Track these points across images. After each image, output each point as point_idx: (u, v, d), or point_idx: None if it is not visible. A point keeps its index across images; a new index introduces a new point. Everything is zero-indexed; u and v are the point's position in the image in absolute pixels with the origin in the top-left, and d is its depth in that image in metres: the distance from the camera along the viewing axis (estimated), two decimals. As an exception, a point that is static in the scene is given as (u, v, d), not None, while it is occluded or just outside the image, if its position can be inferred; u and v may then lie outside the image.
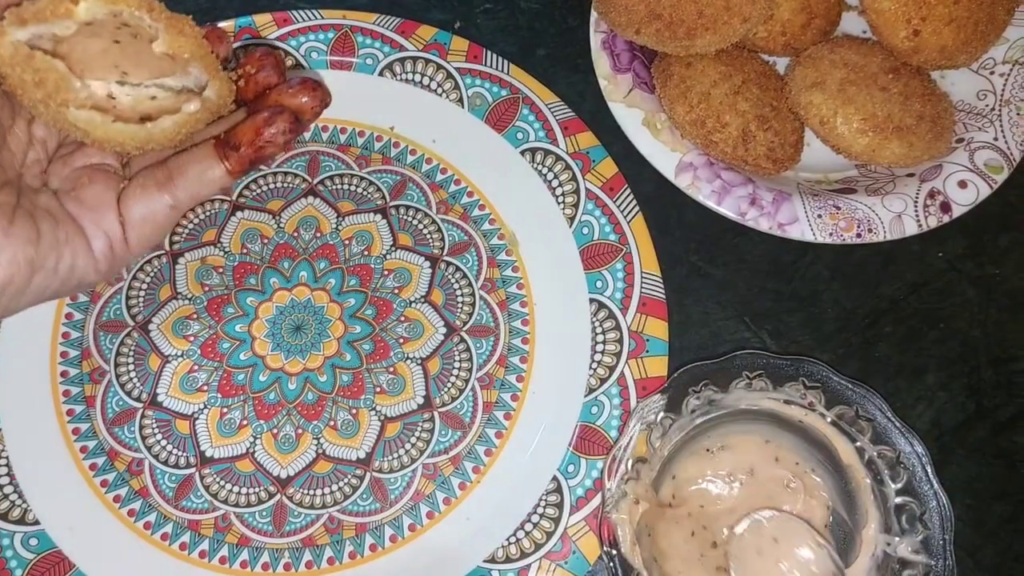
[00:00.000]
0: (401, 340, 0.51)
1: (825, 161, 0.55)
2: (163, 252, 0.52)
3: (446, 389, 0.50)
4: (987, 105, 0.54)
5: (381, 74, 0.55)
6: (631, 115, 0.53)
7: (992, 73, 0.55)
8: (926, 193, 0.51)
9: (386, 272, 0.52)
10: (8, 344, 0.49)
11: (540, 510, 0.47)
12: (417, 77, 0.55)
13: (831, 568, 0.44)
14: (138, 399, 0.49)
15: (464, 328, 0.51)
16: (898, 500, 0.44)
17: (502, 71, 0.55)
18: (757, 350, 0.51)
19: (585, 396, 0.48)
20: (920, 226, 0.51)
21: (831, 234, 0.51)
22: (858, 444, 0.45)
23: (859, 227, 0.51)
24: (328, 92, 0.38)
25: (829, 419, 0.46)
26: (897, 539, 0.44)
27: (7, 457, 0.47)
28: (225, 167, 0.37)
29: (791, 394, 0.46)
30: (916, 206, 0.51)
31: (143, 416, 0.49)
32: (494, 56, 0.55)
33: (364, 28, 0.55)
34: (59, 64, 0.33)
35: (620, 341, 0.49)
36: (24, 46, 0.32)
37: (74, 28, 0.33)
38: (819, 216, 0.51)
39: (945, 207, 0.51)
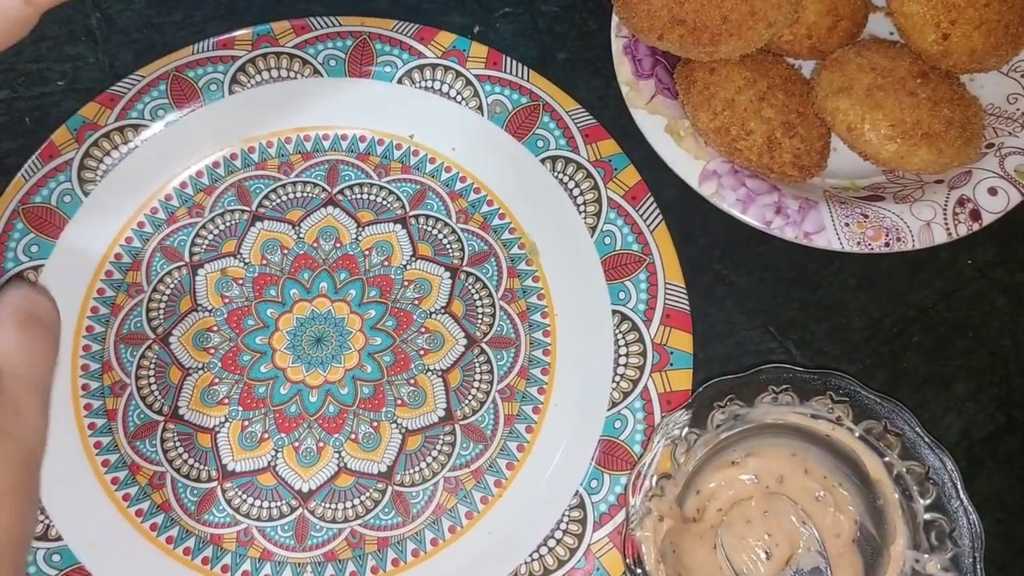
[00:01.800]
0: (422, 352, 0.50)
1: (852, 167, 0.54)
2: (183, 264, 0.52)
3: (467, 401, 0.50)
4: (1018, 109, 0.53)
5: (400, 82, 0.55)
6: (653, 122, 0.53)
7: (1023, 76, 0.53)
8: (955, 200, 0.50)
9: (406, 283, 0.52)
10: (30, 358, 0.49)
11: (563, 526, 0.46)
12: (436, 84, 0.54)
13: (817, 543, 0.43)
14: (159, 412, 0.49)
15: (484, 339, 0.51)
16: (927, 516, 0.44)
17: (522, 78, 0.54)
18: (783, 363, 0.50)
19: (608, 410, 0.48)
20: (949, 234, 0.50)
21: (859, 243, 0.50)
22: (886, 459, 0.45)
23: (887, 236, 0.50)
24: None
25: (857, 434, 0.45)
26: (926, 556, 0.43)
27: (30, 472, 0.47)
28: None
29: (818, 408, 0.46)
30: (945, 214, 0.50)
31: (164, 429, 0.49)
32: (514, 62, 0.55)
33: (383, 35, 0.55)
34: None
35: (643, 354, 0.49)
36: None
37: None
38: (846, 225, 0.50)
39: (975, 215, 0.50)
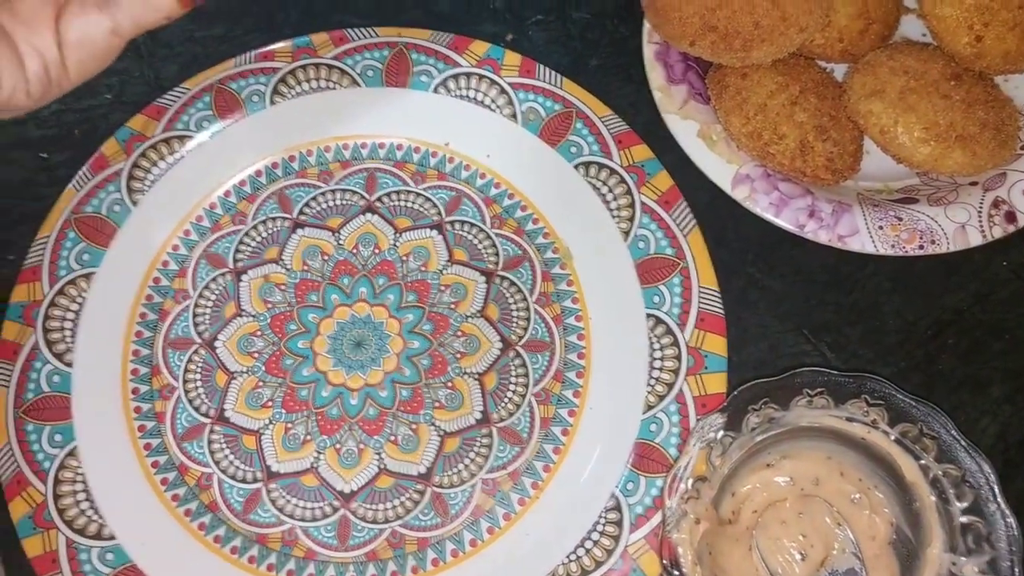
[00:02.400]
0: (458, 355, 0.52)
1: (886, 169, 0.54)
2: (228, 270, 0.54)
3: (503, 404, 0.51)
4: (1055, 109, 0.53)
5: (436, 91, 0.56)
6: (686, 127, 0.53)
7: (1060, 77, 0.53)
8: (990, 203, 0.50)
9: (443, 287, 0.53)
10: (82, 363, 0.51)
11: (600, 527, 0.47)
12: (471, 93, 0.55)
13: (852, 545, 0.44)
14: (206, 415, 0.51)
15: (520, 343, 0.52)
16: (964, 519, 0.44)
17: (555, 85, 0.55)
18: (817, 367, 0.50)
19: (643, 413, 0.49)
20: (984, 237, 0.50)
21: (893, 246, 0.50)
22: (922, 462, 0.45)
23: (921, 239, 0.50)
24: None
25: (892, 437, 0.46)
26: (963, 559, 0.43)
27: (84, 474, 0.49)
28: None
29: (853, 411, 0.46)
30: (980, 216, 0.50)
31: (211, 431, 0.50)
32: (547, 70, 0.55)
33: (419, 45, 0.56)
34: None
35: (678, 357, 0.49)
36: None
37: None
38: (880, 228, 0.50)
39: (1010, 217, 0.50)
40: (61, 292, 0.52)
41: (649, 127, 0.55)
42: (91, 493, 0.48)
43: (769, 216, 0.51)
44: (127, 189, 0.54)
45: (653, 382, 0.49)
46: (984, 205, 0.50)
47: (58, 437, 0.49)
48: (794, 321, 0.53)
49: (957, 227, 0.50)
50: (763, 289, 0.54)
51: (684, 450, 0.45)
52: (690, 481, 0.45)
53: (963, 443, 0.44)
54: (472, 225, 0.54)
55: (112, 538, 0.48)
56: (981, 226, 0.50)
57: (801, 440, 0.47)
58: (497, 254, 0.54)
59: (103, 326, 0.52)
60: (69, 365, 0.50)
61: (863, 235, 0.50)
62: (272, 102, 0.56)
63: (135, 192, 0.54)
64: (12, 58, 0.33)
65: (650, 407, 0.49)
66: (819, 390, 0.46)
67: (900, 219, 0.50)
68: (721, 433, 0.46)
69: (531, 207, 0.55)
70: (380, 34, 0.56)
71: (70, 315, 0.51)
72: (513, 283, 0.53)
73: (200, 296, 0.53)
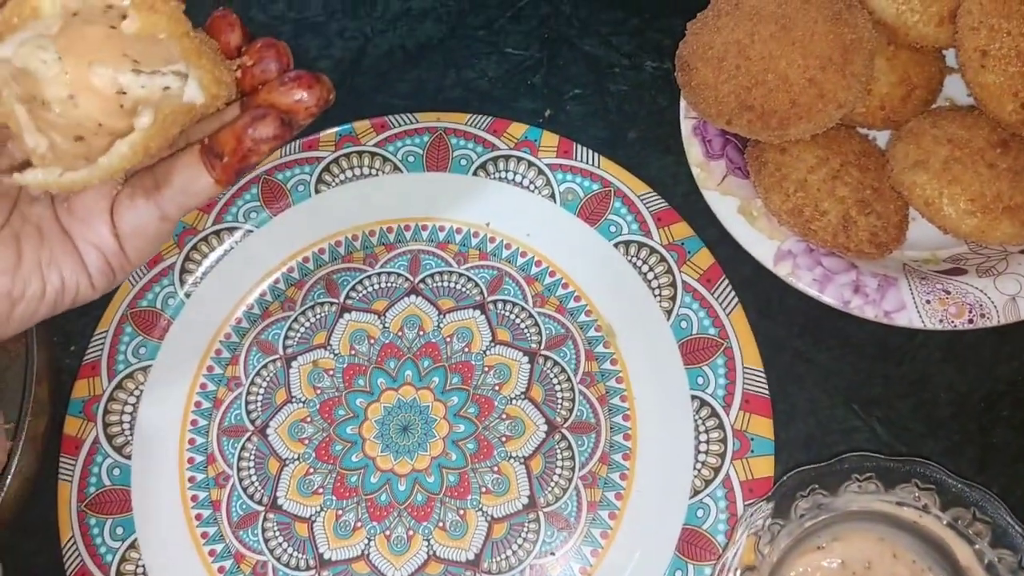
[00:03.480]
0: (504, 439, 0.52)
1: (932, 238, 0.53)
2: (278, 356, 0.55)
3: (550, 488, 0.51)
4: (1107, 172, 0.51)
5: (475, 173, 0.57)
6: (726, 203, 0.53)
7: (1112, 138, 0.52)
8: (1042, 273, 0.49)
9: (487, 368, 0.54)
10: (141, 455, 0.53)
11: (649, 617, 0.47)
12: (510, 175, 0.56)
13: None
14: (260, 502, 0.52)
15: (565, 425, 0.52)
16: (1022, 607, 0.43)
17: (593, 165, 0.56)
18: (866, 446, 0.50)
19: (690, 498, 0.48)
20: (1037, 308, 0.49)
21: (941, 321, 0.49)
22: (977, 547, 0.44)
23: (971, 312, 0.49)
24: (330, 87, 0.34)
25: (945, 521, 0.45)
26: (1021, 648, 0.42)
27: (144, 565, 0.50)
28: (212, 177, 0.34)
29: (904, 496, 0.45)
30: (1032, 287, 0.49)
31: (265, 519, 0.52)
32: (584, 150, 0.56)
33: (457, 130, 0.57)
34: (20, 112, 0.30)
35: (724, 440, 0.49)
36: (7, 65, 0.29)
37: (58, 23, 0.29)
38: (927, 302, 0.50)
39: (1064, 287, 0.49)
40: (119, 386, 0.54)
41: (689, 197, 0.55)
42: (152, 583, 0.50)
43: (813, 292, 0.51)
44: (180, 282, 0.56)
45: (699, 466, 0.49)
46: (1036, 275, 0.49)
47: (119, 530, 0.51)
48: (843, 395, 0.52)
49: (1008, 299, 0.49)
50: (810, 363, 0.53)
51: (732, 539, 0.45)
52: (738, 572, 0.44)
53: (1018, 528, 0.43)
54: (514, 304, 0.55)
55: (172, 628, 0.49)
56: (1033, 298, 0.49)
57: (852, 522, 0.47)
58: (540, 333, 0.54)
59: (160, 417, 0.53)
60: (128, 457, 0.52)
61: (910, 310, 0.49)
62: (317, 191, 0.57)
63: (187, 284, 0.56)
64: (73, 255, 0.34)
65: (696, 492, 0.49)
66: (868, 475, 0.46)
67: (948, 292, 0.50)
68: (769, 521, 0.45)
69: (572, 285, 0.55)
70: (420, 120, 0.57)
71: (128, 408, 0.53)
72: (556, 363, 0.53)
73: (252, 383, 0.55)
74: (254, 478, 0.53)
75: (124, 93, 0.30)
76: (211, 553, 0.51)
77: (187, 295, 0.56)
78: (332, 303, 0.56)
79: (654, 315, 0.53)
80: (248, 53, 0.35)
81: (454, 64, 0.63)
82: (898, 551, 0.46)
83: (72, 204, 0.35)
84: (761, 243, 0.52)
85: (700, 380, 0.51)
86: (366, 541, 0.51)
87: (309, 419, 0.54)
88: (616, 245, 0.54)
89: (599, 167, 0.55)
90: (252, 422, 0.54)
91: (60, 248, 0.34)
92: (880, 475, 0.46)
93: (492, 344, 0.54)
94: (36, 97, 0.30)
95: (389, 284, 0.56)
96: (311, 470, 0.52)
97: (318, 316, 0.56)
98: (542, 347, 0.54)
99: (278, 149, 0.34)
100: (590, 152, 0.56)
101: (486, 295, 0.55)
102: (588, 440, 0.52)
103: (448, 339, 0.55)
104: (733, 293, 0.52)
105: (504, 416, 0.52)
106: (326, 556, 0.51)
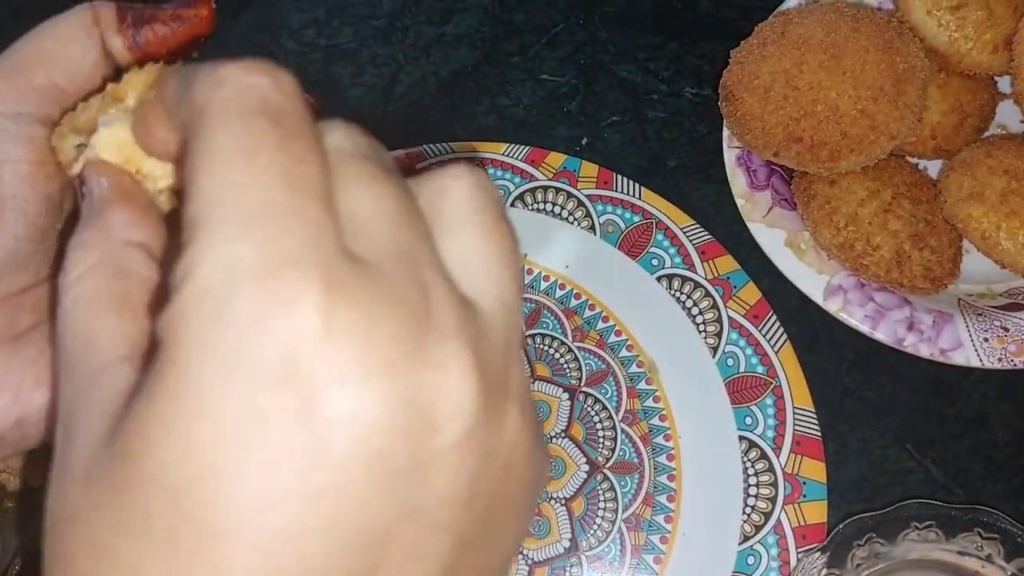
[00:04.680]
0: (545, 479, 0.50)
1: (986, 271, 0.51)
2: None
3: (592, 531, 0.49)
4: None
5: (513, 204, 0.55)
6: (772, 235, 0.51)
7: None
8: (1106, 309, 0.47)
9: (526, 405, 0.52)
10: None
11: (699, 671, 0.45)
12: (548, 206, 0.55)
13: None
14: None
15: (607, 465, 0.50)
16: (1095, 665, 0.41)
17: (633, 196, 0.54)
18: (920, 495, 0.48)
19: (740, 544, 0.47)
20: (1101, 347, 0.47)
21: (1000, 359, 0.47)
22: (1044, 599, 0.42)
23: (1032, 350, 0.47)
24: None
25: (1010, 572, 0.43)
26: None
27: None
28: None
29: (965, 545, 0.43)
30: (1096, 324, 0.47)
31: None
32: (625, 180, 0.55)
33: (495, 160, 0.56)
34: None
35: (774, 484, 0.47)
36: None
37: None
38: (985, 340, 0.48)
39: None
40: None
41: (732, 227, 0.54)
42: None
43: (865, 329, 0.49)
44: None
45: (749, 510, 0.47)
46: (1099, 312, 0.47)
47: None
48: (896, 435, 0.50)
49: (1070, 337, 0.47)
50: (861, 400, 0.51)
51: (786, 590, 0.43)
52: (794, 625, 0.43)
53: (1091, 581, 0.41)
54: (553, 339, 0.53)
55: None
56: (1097, 336, 0.47)
57: (911, 571, 0.45)
58: (580, 368, 0.53)
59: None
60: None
61: (967, 349, 0.48)
62: (351, 222, 0.56)
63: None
64: None
65: (747, 537, 0.47)
66: (928, 523, 0.44)
67: (1007, 330, 0.48)
68: (825, 571, 0.44)
69: (613, 318, 0.53)
70: (456, 149, 0.56)
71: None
72: (598, 400, 0.52)
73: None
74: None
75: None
76: None
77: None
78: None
79: (699, 352, 0.51)
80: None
81: (488, 91, 0.61)
82: (958, 601, 0.44)
83: None
84: (810, 277, 0.50)
85: (748, 420, 0.49)
86: (403, 586, 0.49)
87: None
88: (659, 279, 0.53)
89: (640, 198, 0.54)
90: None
91: None
92: (941, 523, 0.44)
93: (531, 380, 0.53)
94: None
95: (424, 318, 0.55)
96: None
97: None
98: (583, 383, 0.52)
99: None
100: (631, 183, 0.54)
101: (524, 328, 0.54)
102: (631, 481, 0.50)
103: (485, 375, 0.53)
104: (782, 330, 0.50)
105: (544, 456, 0.51)
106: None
